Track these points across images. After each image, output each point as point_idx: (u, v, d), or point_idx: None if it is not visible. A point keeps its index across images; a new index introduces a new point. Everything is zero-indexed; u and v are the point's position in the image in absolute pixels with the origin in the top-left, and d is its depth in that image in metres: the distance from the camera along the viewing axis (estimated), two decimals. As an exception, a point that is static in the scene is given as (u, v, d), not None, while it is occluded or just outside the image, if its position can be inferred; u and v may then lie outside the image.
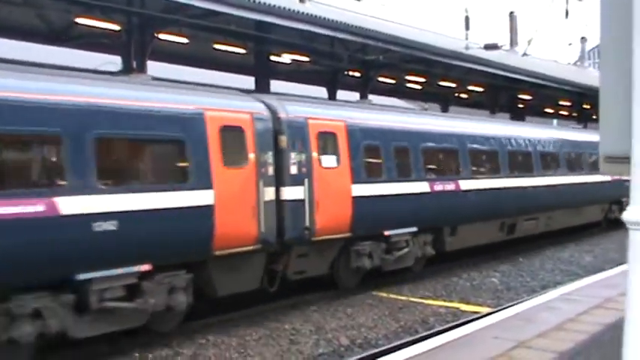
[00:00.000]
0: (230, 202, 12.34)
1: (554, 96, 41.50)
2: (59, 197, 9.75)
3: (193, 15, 19.09)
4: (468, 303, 15.44)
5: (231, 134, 12.62)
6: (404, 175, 16.83)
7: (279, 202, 13.45)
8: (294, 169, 13.77)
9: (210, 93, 13.36)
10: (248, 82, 26.93)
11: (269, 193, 13.13)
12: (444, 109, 41.49)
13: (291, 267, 14.27)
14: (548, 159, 24.16)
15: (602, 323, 9.33)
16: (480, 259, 20.73)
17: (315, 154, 14.31)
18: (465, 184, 18.97)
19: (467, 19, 31.54)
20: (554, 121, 51.69)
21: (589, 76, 45.21)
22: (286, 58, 26.22)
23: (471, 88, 37.72)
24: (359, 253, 15.75)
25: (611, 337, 8.53)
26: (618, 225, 26.36)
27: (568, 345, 8.16)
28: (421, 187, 17.30)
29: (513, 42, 45.67)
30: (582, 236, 26.74)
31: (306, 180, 13.97)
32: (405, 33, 26.93)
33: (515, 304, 12.46)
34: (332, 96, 30.61)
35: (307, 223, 13.88)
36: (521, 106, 44.96)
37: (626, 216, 3.19)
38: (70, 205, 9.85)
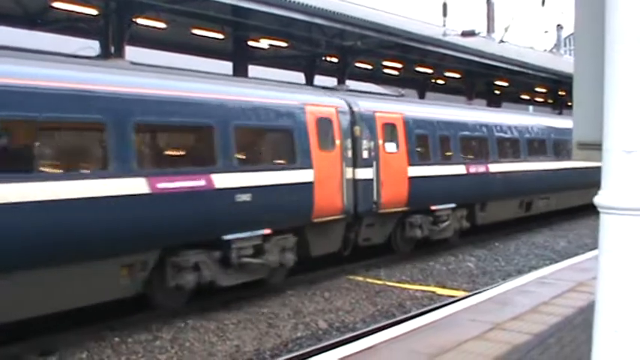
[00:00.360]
0: (324, 179, 15.06)
1: (531, 83, 41.75)
2: (214, 174, 12.44)
3: (171, 0, 19.04)
4: (444, 287, 15.62)
5: (324, 124, 15.33)
6: (446, 159, 19.83)
7: (354, 180, 16.03)
8: (365, 154, 16.44)
9: (306, 90, 17.17)
10: (226, 67, 26.89)
11: (349, 173, 15.88)
12: (421, 95, 41.64)
13: (361, 235, 17.04)
14: (560, 146, 26.70)
15: (575, 306, 9.52)
16: (456, 244, 20.93)
17: (380, 142, 17.07)
18: (493, 167, 21.97)
19: (444, 5, 31.70)
20: (530, 108, 52.02)
21: (565, 63, 45.50)
22: (264, 43, 26.22)
23: (447, 74, 37.88)
24: (412, 225, 18.59)
25: (583, 319, 8.73)
26: (592, 210, 26.88)
27: (542, 327, 8.33)
28: (459, 169, 20.30)
29: (490, 29, 45.87)
30: (556, 222, 27.04)
31: (374, 163, 16.73)
32: (382, 19, 27.02)
33: (491, 287, 12.64)
34: (309, 81, 30.65)
35: (375, 198, 16.72)
36: (497, 92, 45.23)
37: (598, 200, 3.31)
38: (221, 180, 12.55)
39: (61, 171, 10.32)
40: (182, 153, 12.98)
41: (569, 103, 50.06)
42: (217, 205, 12.51)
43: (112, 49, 19.94)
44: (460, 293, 14.55)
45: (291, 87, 16.30)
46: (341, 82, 28.81)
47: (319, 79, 30.89)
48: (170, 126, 12.33)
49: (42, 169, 10.08)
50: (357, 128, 16.28)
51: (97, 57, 19.32)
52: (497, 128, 22.84)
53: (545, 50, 54.57)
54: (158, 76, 12.61)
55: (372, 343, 7.83)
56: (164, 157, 12.46)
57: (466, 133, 21.00)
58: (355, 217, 16.39)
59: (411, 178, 17.90)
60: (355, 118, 16.34)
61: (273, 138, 14.92)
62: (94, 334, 11.36)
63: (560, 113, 40.63)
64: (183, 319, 12.34)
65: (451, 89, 42.76)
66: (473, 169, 20.85)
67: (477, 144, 21.82)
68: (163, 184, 11.56)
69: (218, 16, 20.86)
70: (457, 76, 37.81)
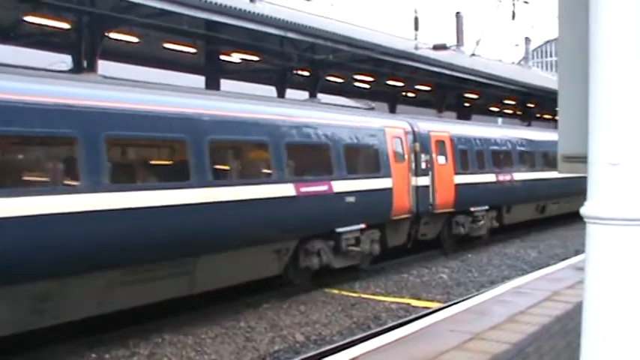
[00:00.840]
0: (398, 185, 18.56)
1: (500, 95, 42.19)
2: (333, 181, 15.98)
3: (144, 14, 19.03)
4: (418, 299, 15.72)
5: (397, 142, 18.94)
6: (481, 169, 23.51)
7: (416, 187, 19.48)
8: (423, 165, 20.04)
9: (383, 115, 22.29)
10: (199, 81, 26.89)
11: (414, 181, 19.40)
12: (392, 108, 41.90)
13: (420, 231, 20.53)
14: None
15: (552, 315, 9.64)
16: (429, 256, 21.08)
17: (434, 155, 20.70)
18: (517, 176, 25.79)
19: (416, 19, 31.96)
20: (499, 120, 52.50)
21: (533, 75, 46.03)
22: (236, 57, 26.27)
23: (418, 87, 38.17)
24: (457, 223, 22.27)
25: (560, 327, 8.86)
26: (564, 221, 27.09)
27: (520, 336, 8.43)
28: (491, 177, 24.10)
29: (460, 42, 46.26)
30: (527, 233, 27.32)
31: (429, 172, 20.34)
32: (354, 33, 27.22)
33: (468, 298, 12.74)
34: (281, 95, 30.73)
35: (431, 201, 20.28)
36: (467, 104, 45.64)
37: (584, 211, 3.41)
38: (337, 186, 16.08)
39: (247, 179, 14.31)
40: (314, 165, 16.31)
41: (538, 115, 50.78)
42: (335, 205, 16.12)
43: (85, 64, 19.87)
44: (435, 305, 14.65)
45: (374, 113, 21.21)
46: (312, 95, 28.94)
47: (291, 93, 30.98)
48: (304, 145, 15.85)
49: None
50: (417, 145, 19.92)
51: (70, 71, 19.23)
52: (519, 143, 27.00)
53: (514, 63, 55.18)
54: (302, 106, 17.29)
55: (353, 355, 7.88)
56: (304, 167, 15.77)
57: (495, 147, 25.03)
58: (416, 216, 19.89)
59: (457, 185, 21.70)
60: (416, 136, 20.00)
61: (366, 153, 18.13)
62: (71, 351, 11.28)
63: (529, 125, 41.18)
64: (159, 334, 12.28)
65: (421, 102, 43.08)
66: (501, 177, 24.74)
67: (503, 156, 25.61)
68: (304, 189, 15.03)
69: (190, 31, 20.88)
70: (428, 88, 38.11)
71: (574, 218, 28.59)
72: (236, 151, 14.73)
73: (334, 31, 25.29)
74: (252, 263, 14.24)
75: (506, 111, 51.85)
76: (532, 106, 46.97)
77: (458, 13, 47.79)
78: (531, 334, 8.53)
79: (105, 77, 13.68)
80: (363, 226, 17.10)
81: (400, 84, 36.32)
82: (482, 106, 48.34)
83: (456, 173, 21.79)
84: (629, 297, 3.28)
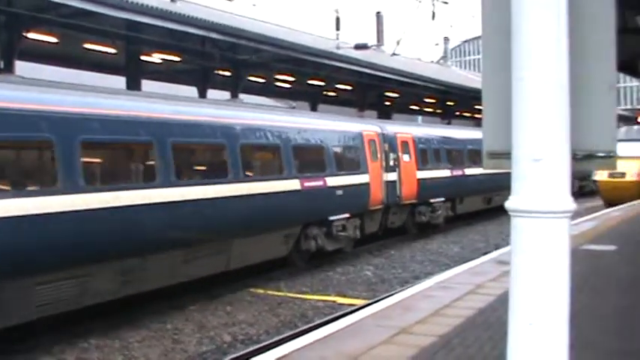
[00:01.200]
0: (374, 181, 21.81)
1: (420, 93, 42.78)
2: (327, 177, 19.13)
3: (64, 14, 18.68)
4: (344, 296, 15.88)
5: (372, 143, 22.24)
6: (438, 165, 26.82)
7: (386, 181, 22.74)
8: (391, 163, 23.29)
9: (360, 120, 26.20)
10: (120, 81, 26.51)
11: (384, 176, 22.64)
12: (313, 108, 42.09)
13: (389, 219, 23.75)
14: None
15: (475, 307, 9.87)
16: (354, 254, 21.29)
17: (400, 154, 24.01)
18: (468, 171, 28.91)
19: (337, 19, 32.22)
20: (419, 118, 53.28)
21: (452, 74, 46.84)
22: (157, 57, 26.02)
23: (339, 86, 38.43)
24: (420, 213, 25.82)
25: (484, 319, 9.10)
26: (484, 217, 27.76)
27: (446, 329, 8.62)
28: (446, 172, 27.37)
29: (380, 41, 46.75)
30: (450, 229, 27.83)
31: (397, 169, 23.62)
32: (276, 32, 27.26)
33: (394, 293, 12.94)
34: (202, 95, 30.56)
35: (398, 194, 23.54)
36: (388, 103, 46.14)
37: (509, 205, 3.55)
38: (330, 181, 19.21)
39: (262, 176, 16.92)
40: (313, 164, 19.15)
41: (457, 113, 51.72)
42: (329, 197, 19.18)
43: (2, 64, 19.38)
44: (360, 302, 14.81)
45: (353, 119, 25.76)
46: (234, 95, 28.87)
47: (212, 93, 30.84)
48: (305, 147, 18.95)
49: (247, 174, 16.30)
50: (386, 145, 23.14)
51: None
52: (468, 142, 29.95)
53: (434, 62, 56.08)
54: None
55: (281, 354, 7.92)
56: (307, 166, 18.70)
57: (449, 146, 28.39)
58: (386, 207, 22.97)
59: (419, 180, 25.02)
60: (385, 138, 23.21)
61: (349, 153, 21.23)
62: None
63: (448, 123, 41.93)
64: (85, 339, 12.11)
65: (343, 101, 43.39)
66: (455, 173, 28.01)
67: (456, 153, 28.89)
68: (307, 183, 18.12)
69: (110, 31, 20.60)
70: (349, 88, 38.41)
71: (495, 213, 29.43)
72: (262, 153, 18.08)
73: (256, 31, 25.30)
74: (271, 245, 17.37)
75: (426, 109, 52.62)
76: (451, 104, 47.79)
77: (378, 12, 48.41)
78: (456, 327, 8.74)
79: (23, 78, 13.46)
80: (347, 215, 20.18)
81: (321, 83, 36.53)
82: (403, 105, 48.97)
83: (418, 169, 25.11)
84: (552, 286, 3.44)
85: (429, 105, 50.07)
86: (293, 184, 17.51)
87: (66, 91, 12.65)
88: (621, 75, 49.93)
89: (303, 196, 17.94)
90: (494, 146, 3.80)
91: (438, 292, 11.26)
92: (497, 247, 19.43)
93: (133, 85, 25.56)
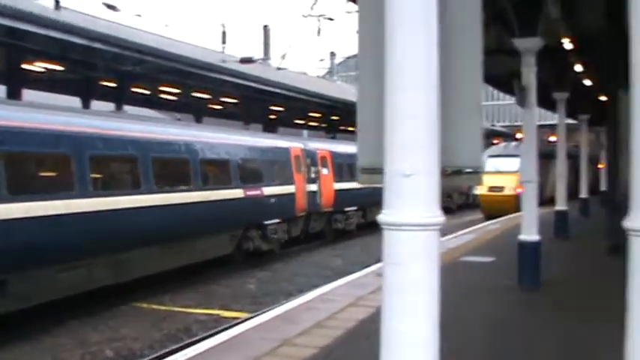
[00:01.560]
0: (299, 191, 24.72)
1: (305, 108, 43.11)
2: (264, 187, 22.11)
3: None
4: (228, 309, 15.82)
5: (297, 158, 25.21)
6: (352, 178, 27.59)
7: (309, 192, 25.59)
8: (312, 175, 26.01)
9: (288, 137, 28.46)
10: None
11: (307, 187, 25.48)
12: (197, 120, 41.79)
13: (311, 225, 26.57)
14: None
15: (357, 319, 10.09)
16: (238, 267, 21.24)
17: (320, 168, 26.70)
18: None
19: (224, 33, 32.22)
20: (305, 132, 53.69)
21: (337, 88, 47.46)
22: (39, 66, 25.33)
23: (225, 99, 38.33)
24: (336, 220, 28.78)
25: (364, 330, 9.31)
26: (363, 231, 28.25)
27: (328, 340, 8.78)
28: (358, 184, 28.37)
29: (267, 55, 46.95)
30: (333, 242, 28.14)
31: (317, 181, 26.36)
32: (161, 44, 26.99)
33: (277, 306, 13.02)
34: (86, 105, 29.89)
35: (318, 202, 26.38)
36: (273, 117, 46.29)
37: (381, 218, 3.71)
38: (266, 190, 22.18)
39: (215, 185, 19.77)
40: (254, 174, 22.15)
41: (342, 127, 52.39)
42: (265, 204, 22.25)
43: None
44: (244, 315, 14.81)
45: (283, 136, 29.31)
46: (119, 107, 28.39)
47: (97, 104, 30.21)
48: (249, 160, 22.29)
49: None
50: (308, 160, 25.97)
51: None
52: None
53: (319, 76, 56.66)
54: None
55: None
56: (247, 176, 21.64)
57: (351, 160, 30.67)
58: (308, 214, 25.81)
59: (336, 190, 27.80)
60: (308, 153, 26.05)
61: (280, 166, 24.13)
62: None
63: (333, 137, 42.46)
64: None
65: (228, 114, 43.26)
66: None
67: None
68: (250, 192, 21.25)
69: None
70: (234, 101, 38.36)
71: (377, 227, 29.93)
72: (213, 167, 20.51)
73: (141, 42, 24.99)
74: (219, 244, 20.28)
75: (311, 123, 53.07)
76: (336, 118, 48.39)
77: (266, 26, 48.52)
78: (337, 338, 8.92)
79: None
80: (278, 220, 23.08)
81: (207, 96, 36.35)
82: (289, 119, 49.23)
83: (335, 181, 27.95)
84: (423, 296, 3.61)
85: (314, 119, 50.52)
86: (238, 193, 20.67)
87: None
88: (500, 93, 51.77)
89: (245, 202, 21.03)
90: (367, 162, 3.96)
91: (321, 304, 11.43)
92: (378, 260, 19.70)
93: (14, 95, 24.78)
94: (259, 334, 9.42)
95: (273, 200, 22.61)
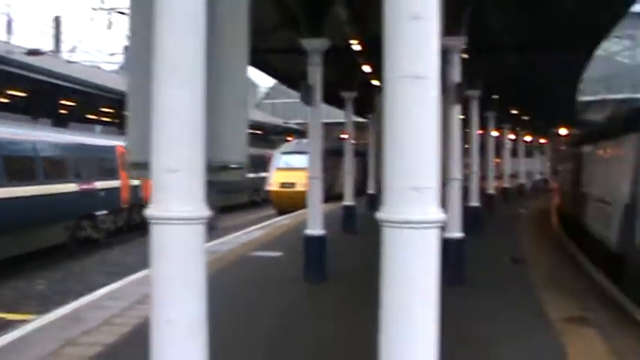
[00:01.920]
0: (124, 185, 27.06)
1: (97, 103, 41.99)
2: (96, 182, 25.27)
3: None
4: (14, 312, 15.21)
5: (122, 155, 24.97)
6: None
7: (132, 186, 27.76)
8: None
9: (114, 136, 31.10)
10: None
11: (130, 182, 27.37)
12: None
13: (133, 217, 27.92)
14: None
15: (142, 316, 10.01)
16: (26, 268, 20.43)
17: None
18: None
19: (9, 23, 30.76)
20: (98, 128, 52.23)
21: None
22: None
23: (12, 92, 36.59)
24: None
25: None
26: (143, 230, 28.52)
27: (114, 338, 8.75)
28: None
29: (58, 47, 45.27)
30: (128, 238, 27.72)
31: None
32: None
33: (64, 306, 12.69)
34: None
35: (140, 195, 28.13)
36: (64, 112, 44.68)
37: (148, 213, 3.81)
38: (98, 184, 25.43)
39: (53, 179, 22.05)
40: (88, 170, 24.70)
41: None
42: (97, 197, 24.64)
43: None
44: (32, 316, 14.28)
45: (111, 136, 31.59)
46: None
47: None
48: (85, 158, 24.88)
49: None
50: None
51: None
52: None
53: (112, 71, 55.17)
54: None
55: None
56: (83, 171, 24.12)
57: None
58: (131, 206, 27.72)
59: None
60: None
61: (109, 163, 26.68)
62: None
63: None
64: None
65: (16, 108, 41.24)
66: None
67: None
68: (83, 186, 23.46)
69: None
70: (23, 94, 36.68)
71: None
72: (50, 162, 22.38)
73: None
74: (55, 233, 22.23)
75: (104, 119, 51.67)
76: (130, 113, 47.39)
77: (57, 17, 46.68)
78: (124, 335, 8.90)
79: None
80: (106, 211, 25.55)
81: (-10, 89, 34.50)
82: (81, 114, 47.67)
83: None
84: (190, 288, 3.76)
85: (107, 114, 49.24)
86: (72, 187, 22.97)
87: None
88: (294, 91, 52.79)
89: (80, 195, 23.39)
90: (136, 157, 4.04)
91: (109, 302, 11.33)
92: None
93: None
94: (44, 334, 9.22)
95: (102, 193, 25.19)
